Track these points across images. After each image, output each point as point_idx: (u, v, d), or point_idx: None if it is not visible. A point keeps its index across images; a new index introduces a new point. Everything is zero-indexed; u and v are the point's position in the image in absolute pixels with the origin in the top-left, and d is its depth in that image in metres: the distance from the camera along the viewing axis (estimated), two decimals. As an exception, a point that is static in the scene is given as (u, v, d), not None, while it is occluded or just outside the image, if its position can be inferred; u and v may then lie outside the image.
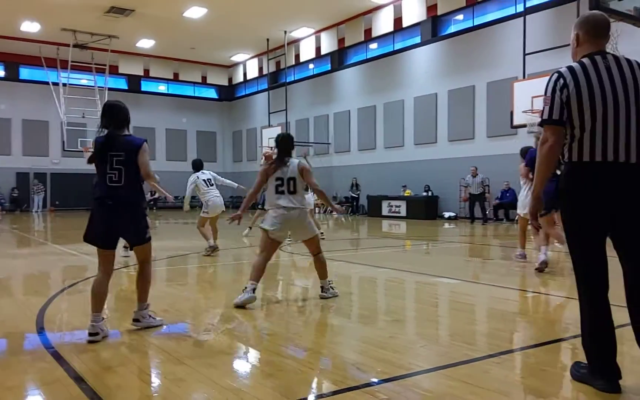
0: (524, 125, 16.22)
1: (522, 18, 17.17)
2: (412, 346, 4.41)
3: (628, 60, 3.35)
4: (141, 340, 4.62)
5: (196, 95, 37.51)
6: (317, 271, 6.27)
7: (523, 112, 15.85)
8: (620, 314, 3.54)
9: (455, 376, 3.64)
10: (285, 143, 6.14)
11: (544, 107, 3.36)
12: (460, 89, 22.12)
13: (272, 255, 6.14)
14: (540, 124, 3.39)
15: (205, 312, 5.70)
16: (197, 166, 10.76)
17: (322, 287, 6.26)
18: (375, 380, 3.60)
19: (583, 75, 3.26)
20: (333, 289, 6.28)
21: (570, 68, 3.32)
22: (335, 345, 4.55)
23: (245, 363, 4.21)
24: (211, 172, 10.93)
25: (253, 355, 4.34)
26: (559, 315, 5.71)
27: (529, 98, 15.70)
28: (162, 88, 36.33)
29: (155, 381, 3.77)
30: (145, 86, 35.49)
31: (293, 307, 6.28)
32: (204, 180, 10.55)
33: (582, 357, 3.54)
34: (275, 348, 4.43)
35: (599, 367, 3.32)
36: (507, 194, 19.89)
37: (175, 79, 35.20)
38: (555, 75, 3.35)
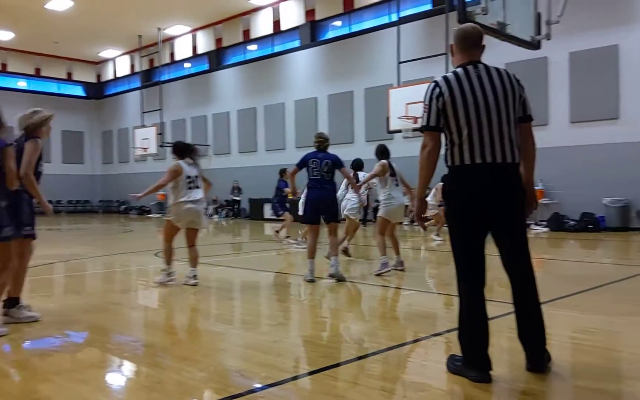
0: (400, 131, 16.93)
1: (396, 28, 17.91)
2: (296, 349, 4.39)
3: (497, 70, 3.61)
4: (1, 358, 4.24)
5: (61, 92, 35.17)
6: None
7: (398, 118, 16.53)
8: (490, 308, 3.76)
9: (339, 376, 3.67)
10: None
11: (423, 114, 3.57)
12: (339, 93, 22.62)
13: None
14: (420, 130, 3.58)
15: (73, 324, 5.31)
16: (358, 166, 9.76)
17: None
18: (259, 385, 3.54)
19: (457, 84, 3.48)
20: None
21: (445, 78, 3.54)
22: (217, 353, 4.42)
23: (120, 377, 3.96)
24: (365, 174, 9.75)
25: (128, 368, 4.11)
26: (434, 311, 5.98)
27: (403, 104, 16.41)
28: (21, 84, 33.67)
29: (18, 402, 3.45)
30: (3, 82, 32.65)
31: (172, 315, 6.05)
32: None
33: (456, 350, 3.72)
34: (153, 359, 4.23)
35: (472, 359, 3.54)
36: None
37: (37, 74, 32.88)
38: (433, 84, 3.56)
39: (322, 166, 7.58)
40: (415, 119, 16.19)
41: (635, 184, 15.36)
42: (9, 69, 31.27)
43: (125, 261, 10.65)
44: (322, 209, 7.54)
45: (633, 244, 12.82)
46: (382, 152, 8.62)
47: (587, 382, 3.57)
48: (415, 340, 4.61)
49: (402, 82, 17.18)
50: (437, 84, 3.52)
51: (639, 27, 15.51)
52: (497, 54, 15.98)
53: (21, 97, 33.04)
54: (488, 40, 11.64)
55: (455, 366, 3.68)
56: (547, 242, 13.52)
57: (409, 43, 18.51)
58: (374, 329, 5.11)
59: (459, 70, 3.55)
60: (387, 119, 17.02)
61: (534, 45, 9.64)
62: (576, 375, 3.73)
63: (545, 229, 16.10)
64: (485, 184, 3.47)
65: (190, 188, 7.05)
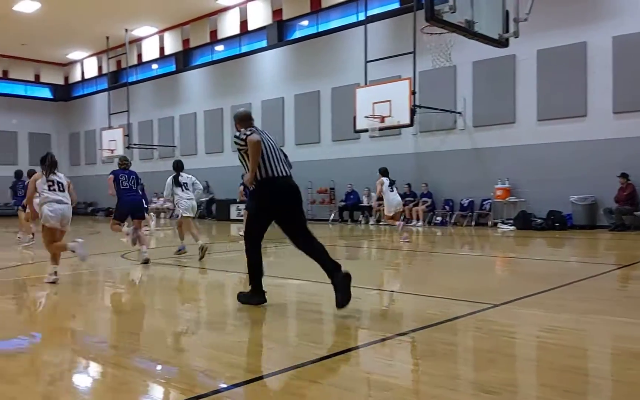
0: (366, 130, 16.99)
1: (363, 27, 18.01)
2: (261, 349, 4.40)
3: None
4: None
5: (28, 94, 34.49)
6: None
7: (365, 117, 16.59)
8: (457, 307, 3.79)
9: (303, 376, 3.67)
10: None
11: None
12: (306, 93, 22.61)
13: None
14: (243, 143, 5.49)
15: (39, 327, 5.23)
16: (180, 167, 10.77)
17: None
18: (224, 385, 3.54)
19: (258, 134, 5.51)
20: None
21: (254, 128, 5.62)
22: (182, 354, 4.40)
23: (86, 378, 3.91)
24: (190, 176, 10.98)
25: (94, 369, 4.05)
26: (398, 311, 6.02)
27: (370, 104, 16.48)
28: (-11, 86, 33.01)
29: (-19, 405, 3.40)
30: (-31, 84, 32.07)
31: (137, 317, 5.99)
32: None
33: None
34: (119, 360, 4.18)
35: (255, 290, 5.64)
36: (351, 196, 20.71)
37: (5, 77, 32.25)
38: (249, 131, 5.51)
39: (130, 179, 9.83)
40: (382, 118, 16.27)
41: (602, 182, 15.46)
42: (-23, 71, 30.74)
43: (93, 263, 10.48)
44: (133, 210, 9.93)
45: (600, 242, 13.02)
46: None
47: (552, 380, 3.60)
48: (382, 339, 4.62)
49: (369, 82, 17.27)
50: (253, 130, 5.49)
51: (606, 24, 15.64)
52: (464, 54, 16.32)
53: (-11, 99, 32.43)
54: (457, 38, 11.82)
55: (244, 297, 5.72)
56: (514, 240, 13.71)
57: (377, 42, 18.60)
58: (340, 329, 5.12)
59: (253, 128, 5.61)
60: (354, 118, 17.08)
61: (502, 43, 9.71)
62: (541, 373, 3.80)
63: (512, 228, 16.30)
64: (275, 191, 5.50)
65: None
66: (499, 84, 17.38)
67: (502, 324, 5.06)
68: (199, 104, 27.08)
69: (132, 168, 10.34)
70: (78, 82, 34.50)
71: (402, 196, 19.15)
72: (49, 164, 7.67)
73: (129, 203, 9.78)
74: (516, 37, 9.69)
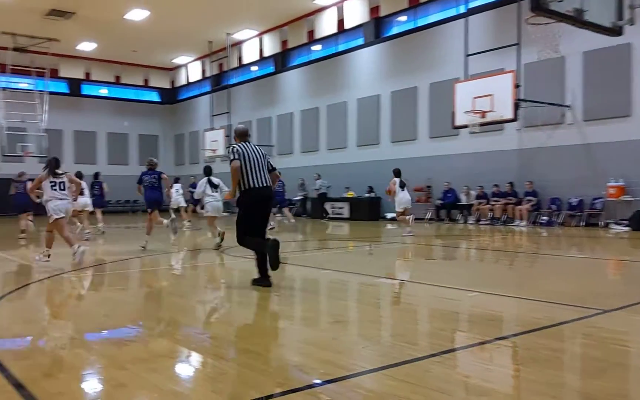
0: (466, 126, 16.50)
1: (463, 19, 17.52)
2: (355, 347, 4.38)
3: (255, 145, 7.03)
4: (82, 346, 4.53)
5: (138, 98, 36.68)
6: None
7: (465, 112, 16.11)
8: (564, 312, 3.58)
9: (397, 376, 3.62)
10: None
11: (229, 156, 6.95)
12: (403, 90, 22.34)
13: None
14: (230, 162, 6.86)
15: (146, 317, 5.52)
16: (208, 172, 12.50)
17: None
18: (318, 381, 3.55)
19: (244, 149, 6.83)
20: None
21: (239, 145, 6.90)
22: (278, 348, 4.48)
23: (188, 367, 4.08)
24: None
25: (196, 359, 4.22)
26: (499, 314, 5.79)
27: (470, 98, 15.97)
28: (103, 91, 35.35)
29: (97, 387, 3.65)
30: (86, 90, 34.47)
31: (236, 310, 6.17)
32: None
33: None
34: (218, 351, 4.35)
35: (262, 275, 6.81)
36: (449, 195, 20.26)
37: (117, 82, 34.44)
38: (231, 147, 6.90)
39: (151, 178, 11.78)
40: (483, 113, 15.72)
41: None
42: (92, 77, 33.13)
43: (195, 257, 10.95)
44: (154, 203, 11.89)
45: None
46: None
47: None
48: (479, 343, 4.46)
49: (470, 76, 16.75)
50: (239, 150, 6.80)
51: None
52: (573, 44, 15.46)
53: (103, 104, 34.86)
54: (565, 28, 11.19)
55: (255, 281, 6.82)
56: (628, 242, 12.84)
57: (477, 35, 17.98)
58: (436, 330, 5.02)
59: (240, 144, 6.89)
60: (453, 114, 16.64)
61: (616, 31, 9.06)
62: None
63: (627, 228, 15.28)
64: (256, 198, 6.78)
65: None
66: (613, 75, 16.29)
67: (613, 331, 4.74)
68: (296, 104, 27.53)
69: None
70: (183, 86, 36.20)
71: (503, 195, 18.58)
72: (53, 168, 9.22)
73: (149, 197, 11.89)
74: (631, 25, 9.00)
